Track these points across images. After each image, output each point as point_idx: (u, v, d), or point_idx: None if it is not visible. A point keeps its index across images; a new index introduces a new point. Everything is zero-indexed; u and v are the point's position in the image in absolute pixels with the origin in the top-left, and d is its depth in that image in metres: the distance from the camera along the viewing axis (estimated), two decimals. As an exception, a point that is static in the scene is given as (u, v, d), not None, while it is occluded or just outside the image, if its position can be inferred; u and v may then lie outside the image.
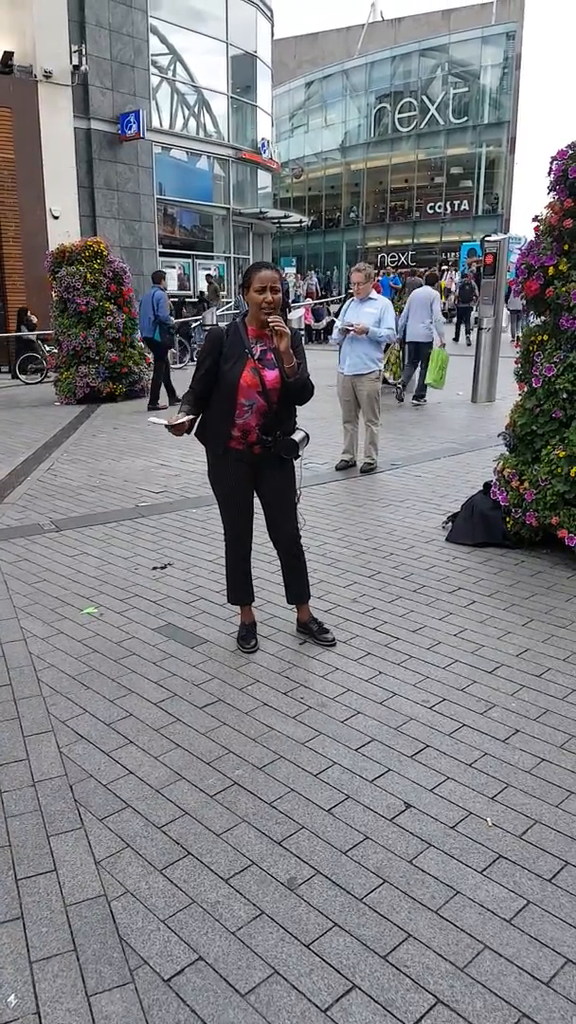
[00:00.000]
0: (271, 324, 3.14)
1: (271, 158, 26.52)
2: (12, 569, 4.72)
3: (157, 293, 10.82)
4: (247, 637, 3.64)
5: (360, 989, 1.84)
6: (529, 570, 4.53)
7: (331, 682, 3.29)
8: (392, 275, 20.39)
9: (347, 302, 6.94)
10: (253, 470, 3.42)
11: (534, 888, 2.13)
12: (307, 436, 3.43)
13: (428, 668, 3.39)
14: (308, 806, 2.49)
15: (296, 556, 3.63)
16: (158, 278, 11.14)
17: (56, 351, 12.23)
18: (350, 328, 6.49)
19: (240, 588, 3.69)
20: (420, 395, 10.78)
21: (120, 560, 4.86)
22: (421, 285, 11.46)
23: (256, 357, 3.26)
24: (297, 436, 3.40)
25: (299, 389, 3.30)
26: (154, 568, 4.70)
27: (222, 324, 3.55)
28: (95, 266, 11.44)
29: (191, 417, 3.29)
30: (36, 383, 14.49)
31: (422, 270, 19.33)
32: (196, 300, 20.47)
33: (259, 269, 3.23)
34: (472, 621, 3.86)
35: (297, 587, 3.69)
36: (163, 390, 11.12)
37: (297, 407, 3.45)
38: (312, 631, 3.69)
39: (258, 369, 3.24)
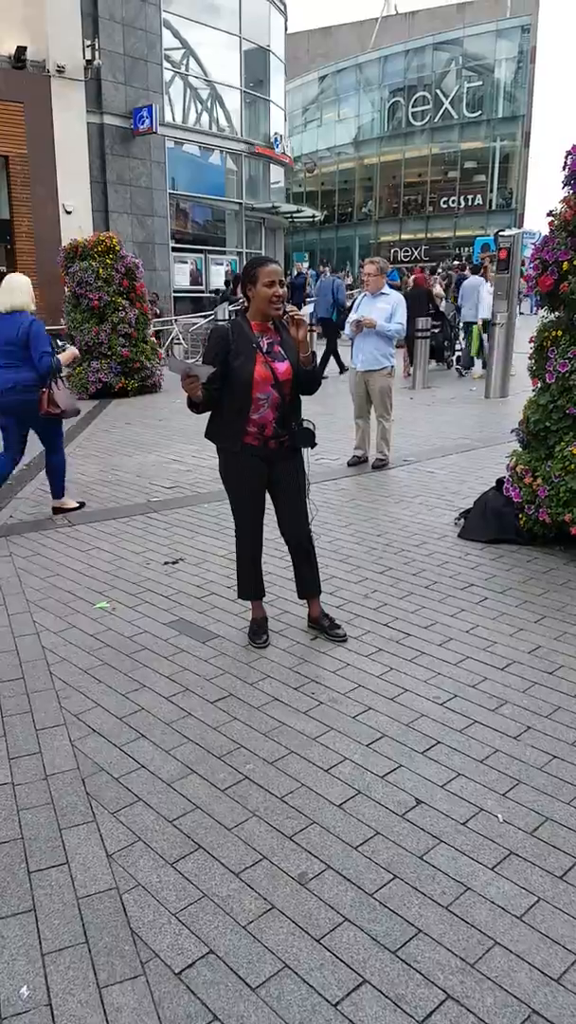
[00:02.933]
0: (290, 313, 3.21)
1: (284, 153, 26.43)
2: (25, 563, 4.75)
3: (337, 280, 13.28)
4: (258, 632, 3.65)
5: (370, 984, 1.84)
6: (542, 567, 4.51)
7: (342, 678, 3.29)
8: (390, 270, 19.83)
9: (360, 297, 6.89)
10: (267, 465, 3.43)
11: (545, 885, 2.13)
12: (314, 428, 3.47)
13: (440, 664, 3.39)
14: (319, 801, 2.50)
15: (307, 551, 3.64)
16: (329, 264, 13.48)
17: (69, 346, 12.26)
18: (358, 320, 6.46)
19: (251, 583, 3.69)
20: (468, 366, 13.27)
21: (132, 555, 4.87)
22: (467, 277, 13.70)
23: (264, 351, 3.28)
24: (308, 425, 3.45)
25: (312, 379, 3.36)
26: (166, 563, 4.71)
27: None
28: (108, 261, 11.45)
29: (207, 376, 3.14)
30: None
31: (429, 267, 19.31)
32: (215, 295, 20.45)
33: (264, 263, 3.26)
34: (484, 618, 3.85)
35: (308, 582, 3.69)
36: (333, 361, 13.43)
37: (302, 400, 3.48)
38: (323, 626, 3.69)
39: (268, 362, 3.27)
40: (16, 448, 5.63)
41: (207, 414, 3.44)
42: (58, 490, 5.85)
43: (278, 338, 3.35)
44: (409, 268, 16.87)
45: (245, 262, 23.84)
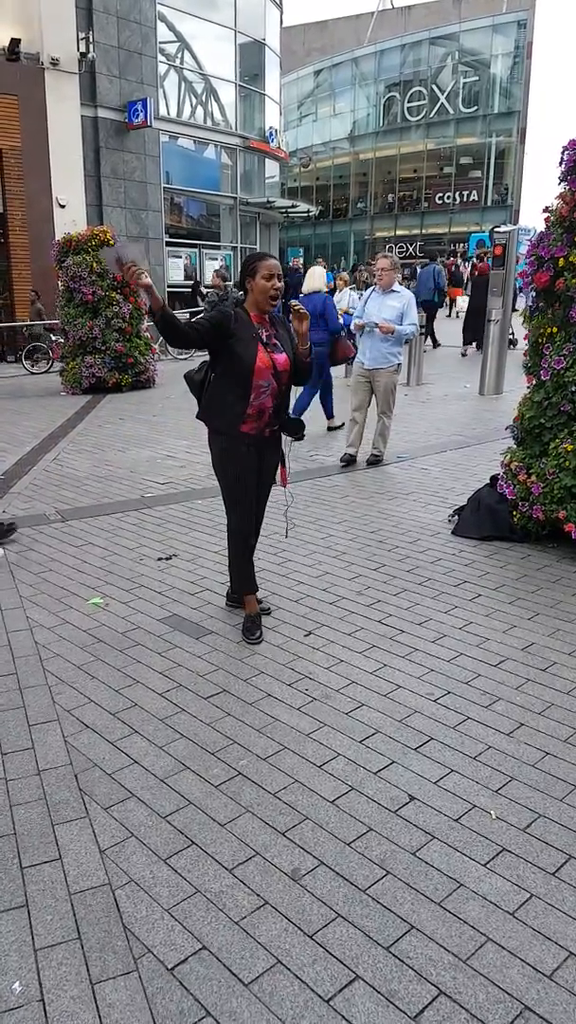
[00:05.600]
0: (293, 307, 3.33)
1: (279, 147, 26.35)
2: (18, 559, 4.73)
3: (437, 267, 15.19)
4: (252, 628, 3.65)
5: (363, 980, 1.84)
6: (535, 564, 4.52)
7: (336, 674, 3.29)
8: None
9: (368, 292, 6.78)
10: (258, 456, 3.51)
11: (537, 881, 2.13)
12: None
13: (433, 661, 3.39)
14: (312, 797, 2.50)
15: (256, 536, 3.81)
16: (433, 256, 16.23)
17: (62, 341, 12.23)
18: (373, 325, 6.33)
19: (247, 577, 3.70)
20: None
21: (125, 551, 4.86)
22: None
23: (264, 342, 3.37)
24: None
25: (306, 370, 3.50)
26: (159, 559, 4.70)
27: None
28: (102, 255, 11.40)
29: (148, 282, 3.04)
30: (43, 372, 14.50)
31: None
32: (192, 290, 20.46)
33: (264, 258, 3.39)
34: (478, 614, 3.85)
35: None
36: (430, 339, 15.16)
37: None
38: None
39: (268, 352, 3.37)
40: (315, 384, 7.98)
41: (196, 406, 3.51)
42: (329, 412, 8.50)
43: (274, 331, 3.45)
44: (480, 256, 16.76)
45: (240, 257, 23.90)
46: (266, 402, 3.40)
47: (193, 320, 3.42)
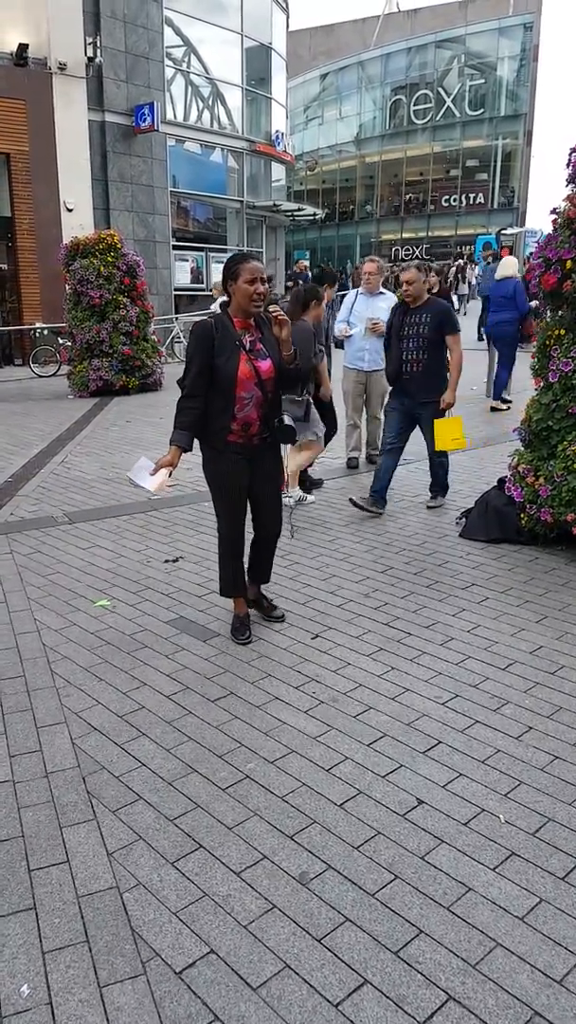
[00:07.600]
0: (272, 313, 3.23)
1: (285, 151, 26.37)
2: (26, 561, 4.74)
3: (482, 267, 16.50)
4: (241, 629, 3.66)
5: (371, 984, 1.83)
6: (543, 567, 4.50)
7: (343, 677, 3.28)
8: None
9: (354, 295, 6.80)
10: (248, 463, 3.45)
11: (547, 886, 2.12)
12: (293, 423, 3.62)
13: (441, 664, 3.38)
14: (320, 801, 2.49)
15: (274, 547, 3.80)
16: (497, 258, 18.25)
17: (70, 344, 12.27)
18: (374, 324, 6.35)
19: (238, 581, 3.68)
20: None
21: (132, 553, 4.87)
22: None
23: (247, 349, 3.27)
24: (288, 421, 3.54)
25: (296, 376, 3.42)
26: (166, 561, 4.70)
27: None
28: (109, 259, 11.43)
29: (178, 454, 3.34)
30: (50, 375, 14.54)
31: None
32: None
33: (246, 260, 3.24)
34: (485, 617, 3.84)
35: (266, 572, 3.86)
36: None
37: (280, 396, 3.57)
38: (262, 607, 3.84)
39: (251, 361, 3.26)
40: (511, 359, 9.27)
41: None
42: (497, 392, 9.48)
43: (260, 335, 3.33)
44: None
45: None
46: (251, 414, 3.31)
47: (185, 387, 3.28)
